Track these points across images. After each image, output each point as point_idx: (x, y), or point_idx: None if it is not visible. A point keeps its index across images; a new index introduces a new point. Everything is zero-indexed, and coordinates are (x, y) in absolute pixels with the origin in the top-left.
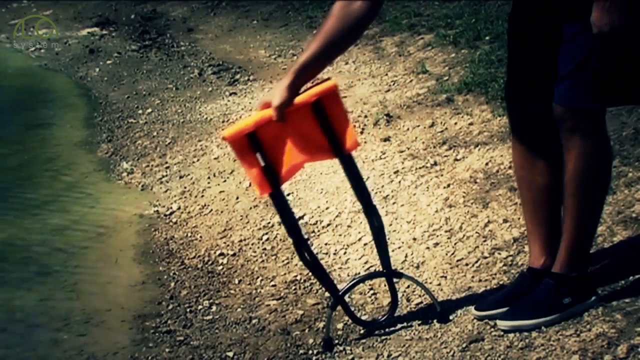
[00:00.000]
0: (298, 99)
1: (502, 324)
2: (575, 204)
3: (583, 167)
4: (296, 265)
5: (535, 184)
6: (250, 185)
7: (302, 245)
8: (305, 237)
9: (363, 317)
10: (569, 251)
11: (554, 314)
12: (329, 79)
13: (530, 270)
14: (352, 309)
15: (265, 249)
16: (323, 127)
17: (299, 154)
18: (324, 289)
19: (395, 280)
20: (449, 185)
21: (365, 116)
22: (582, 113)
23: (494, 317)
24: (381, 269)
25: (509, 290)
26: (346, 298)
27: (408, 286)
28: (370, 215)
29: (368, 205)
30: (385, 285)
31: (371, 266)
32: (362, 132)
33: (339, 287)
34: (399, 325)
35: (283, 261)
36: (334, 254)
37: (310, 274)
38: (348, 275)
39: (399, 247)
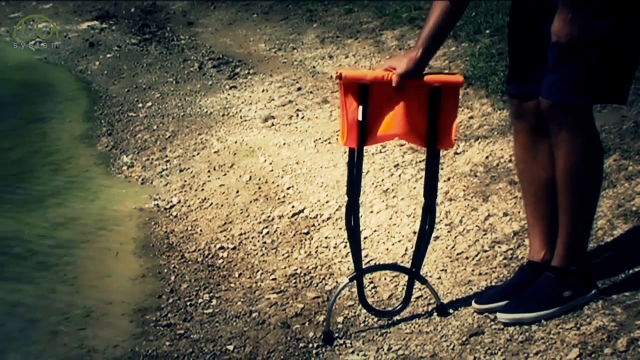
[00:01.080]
0: (423, 78)
1: (503, 316)
2: (568, 199)
3: (573, 163)
4: (296, 258)
5: (536, 178)
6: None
7: (353, 209)
8: (305, 230)
9: (363, 310)
10: (566, 246)
11: (554, 307)
12: (457, 74)
13: (530, 263)
14: (352, 302)
15: (265, 242)
16: (430, 114)
17: (396, 126)
18: (351, 258)
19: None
20: (449, 179)
21: None
22: (568, 108)
23: (494, 310)
24: (408, 266)
25: (508, 284)
26: (346, 290)
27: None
28: (426, 216)
29: (430, 205)
30: (385, 279)
31: (371, 259)
32: None
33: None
34: (399, 319)
35: (283, 255)
36: (334, 247)
37: (308, 267)
38: (348, 269)
39: (399, 241)
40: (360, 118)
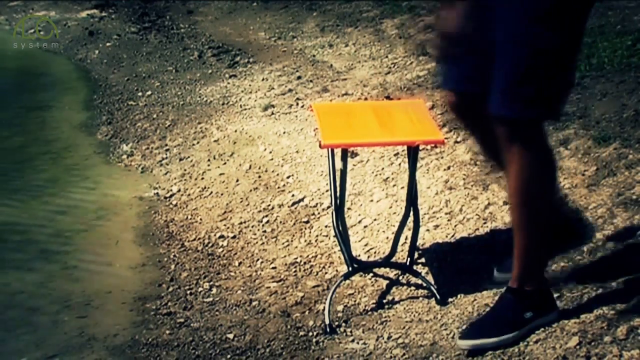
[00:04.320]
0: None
1: (463, 343)
2: (519, 217)
3: (523, 180)
4: (296, 247)
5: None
6: (250, 168)
7: (339, 214)
8: (305, 219)
9: (363, 299)
10: (522, 265)
11: (516, 330)
12: (420, 99)
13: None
14: (352, 290)
15: (265, 231)
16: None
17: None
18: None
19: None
20: (449, 168)
21: (366, 98)
22: (516, 123)
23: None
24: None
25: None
26: (347, 282)
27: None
28: (409, 211)
29: (413, 200)
30: (387, 273)
31: (371, 248)
32: None
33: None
34: (399, 308)
35: (283, 243)
36: (334, 236)
37: (308, 255)
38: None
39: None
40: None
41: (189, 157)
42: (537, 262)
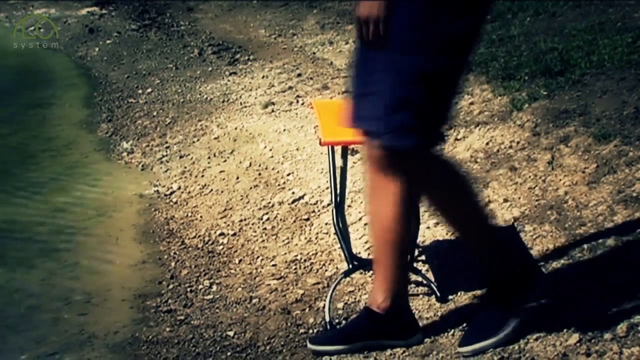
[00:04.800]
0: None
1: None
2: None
3: (388, 210)
4: (296, 245)
5: None
6: (250, 165)
7: (339, 211)
8: (306, 217)
9: (364, 297)
10: (379, 288)
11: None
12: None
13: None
14: (352, 288)
15: (265, 228)
16: None
17: None
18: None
19: None
20: None
21: None
22: (386, 149)
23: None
24: None
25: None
26: (347, 279)
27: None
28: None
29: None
30: None
31: (371, 246)
32: None
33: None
34: None
35: (283, 241)
36: (335, 233)
37: (308, 253)
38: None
39: None
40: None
41: (189, 154)
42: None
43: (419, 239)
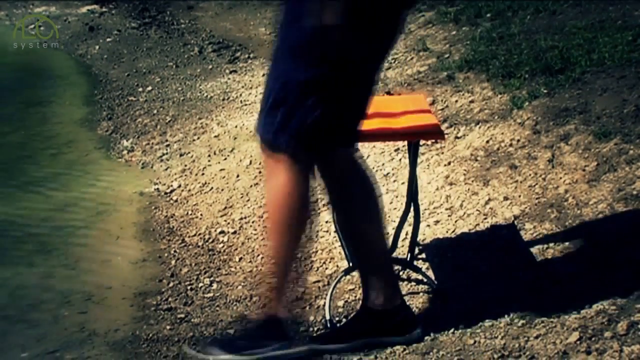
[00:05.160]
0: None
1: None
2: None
3: (270, 199)
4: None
5: None
6: (250, 163)
7: None
8: None
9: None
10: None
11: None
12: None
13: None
14: (353, 286)
15: (266, 226)
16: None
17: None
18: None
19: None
20: (449, 163)
21: None
22: (269, 144)
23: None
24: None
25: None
26: (348, 277)
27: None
28: (409, 206)
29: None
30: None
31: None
32: None
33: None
34: None
35: None
36: (335, 231)
37: (309, 250)
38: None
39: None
40: None
41: (189, 152)
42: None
43: (419, 237)
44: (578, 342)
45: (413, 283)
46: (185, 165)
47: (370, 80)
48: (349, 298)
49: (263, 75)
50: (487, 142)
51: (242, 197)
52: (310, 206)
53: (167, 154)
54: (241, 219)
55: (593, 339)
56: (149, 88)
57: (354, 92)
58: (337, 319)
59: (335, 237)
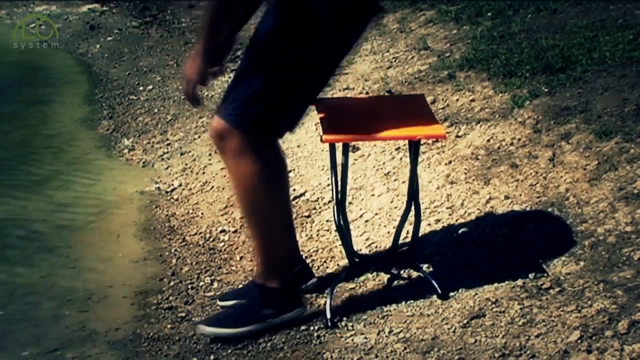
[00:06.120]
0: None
1: (204, 329)
2: (247, 223)
3: (238, 189)
4: (297, 241)
5: None
6: None
7: (340, 208)
8: (307, 214)
9: (365, 294)
10: (262, 264)
11: (250, 325)
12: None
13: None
14: (353, 285)
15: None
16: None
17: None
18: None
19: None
20: (450, 162)
21: (367, 92)
22: (231, 131)
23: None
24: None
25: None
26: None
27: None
28: (410, 205)
29: (414, 194)
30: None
31: (372, 243)
32: None
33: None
34: (400, 302)
35: None
36: (335, 230)
37: (309, 250)
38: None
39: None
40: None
41: (190, 151)
42: (275, 263)
43: (420, 236)
44: (579, 341)
45: (414, 282)
46: (186, 164)
47: (324, 79)
48: (349, 297)
49: None
50: (488, 141)
51: None
52: (279, 176)
53: (167, 152)
54: (242, 217)
55: (594, 337)
56: (150, 87)
57: (306, 87)
58: (337, 318)
59: (335, 236)
